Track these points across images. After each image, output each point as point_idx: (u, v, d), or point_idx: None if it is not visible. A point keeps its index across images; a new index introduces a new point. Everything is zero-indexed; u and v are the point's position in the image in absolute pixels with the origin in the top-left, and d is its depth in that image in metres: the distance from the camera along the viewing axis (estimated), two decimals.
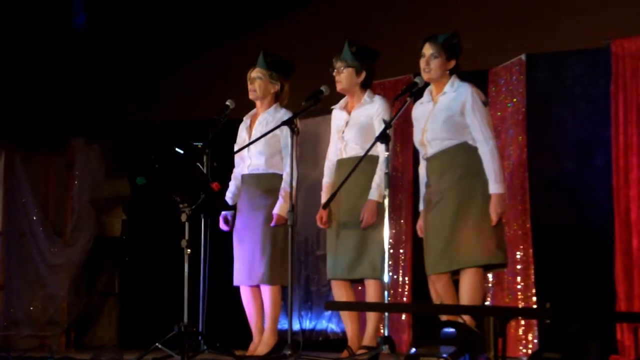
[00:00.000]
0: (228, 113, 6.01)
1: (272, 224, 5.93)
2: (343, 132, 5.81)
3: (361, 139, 5.69)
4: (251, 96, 6.14)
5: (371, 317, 5.73)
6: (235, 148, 6.15)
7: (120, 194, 8.60)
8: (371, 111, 5.75)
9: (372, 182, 5.63)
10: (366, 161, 5.53)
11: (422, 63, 5.37)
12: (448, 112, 5.30)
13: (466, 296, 5.21)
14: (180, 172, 5.56)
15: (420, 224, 5.54)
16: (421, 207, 5.54)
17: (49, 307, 8.25)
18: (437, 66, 5.34)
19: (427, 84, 5.45)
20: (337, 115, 5.93)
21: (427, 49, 5.37)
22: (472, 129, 5.30)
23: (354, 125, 5.77)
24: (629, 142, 6.45)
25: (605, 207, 6.48)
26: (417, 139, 5.48)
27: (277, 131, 5.89)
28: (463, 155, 5.31)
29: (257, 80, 6.10)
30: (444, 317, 4.67)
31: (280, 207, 5.91)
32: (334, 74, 5.80)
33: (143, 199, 8.08)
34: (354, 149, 5.72)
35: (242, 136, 6.19)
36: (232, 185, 6.21)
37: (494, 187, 5.25)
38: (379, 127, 5.58)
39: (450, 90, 5.36)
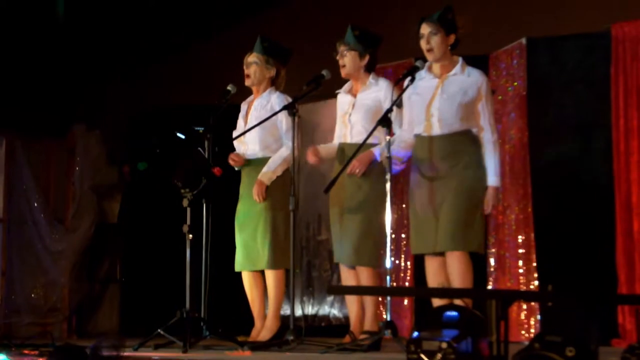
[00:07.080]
0: (229, 98, 6.00)
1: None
2: (350, 115, 5.79)
3: (368, 122, 5.64)
4: (247, 82, 6.10)
5: (369, 302, 5.73)
6: (234, 135, 6.15)
7: (121, 179, 8.59)
8: (378, 94, 5.72)
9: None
10: (367, 147, 5.52)
11: (423, 44, 5.35)
12: (464, 97, 5.30)
13: (457, 279, 5.22)
14: (181, 157, 5.56)
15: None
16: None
17: (51, 294, 8.23)
18: (439, 43, 5.32)
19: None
20: (343, 99, 5.89)
21: (425, 29, 5.35)
22: (481, 116, 5.32)
23: (360, 107, 5.75)
24: (629, 126, 6.46)
25: (606, 191, 6.48)
26: (418, 113, 5.40)
27: (276, 116, 5.89)
28: (469, 144, 5.32)
29: (253, 65, 6.08)
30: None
31: (262, 173, 5.91)
32: (338, 57, 5.78)
33: (143, 184, 8.06)
34: (360, 132, 5.67)
35: (240, 123, 6.19)
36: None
37: (494, 180, 5.31)
38: None
39: (461, 72, 5.34)
